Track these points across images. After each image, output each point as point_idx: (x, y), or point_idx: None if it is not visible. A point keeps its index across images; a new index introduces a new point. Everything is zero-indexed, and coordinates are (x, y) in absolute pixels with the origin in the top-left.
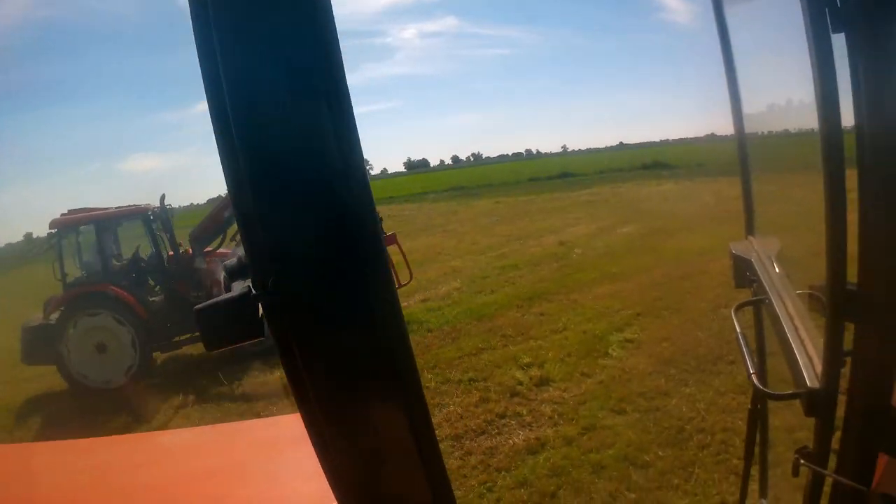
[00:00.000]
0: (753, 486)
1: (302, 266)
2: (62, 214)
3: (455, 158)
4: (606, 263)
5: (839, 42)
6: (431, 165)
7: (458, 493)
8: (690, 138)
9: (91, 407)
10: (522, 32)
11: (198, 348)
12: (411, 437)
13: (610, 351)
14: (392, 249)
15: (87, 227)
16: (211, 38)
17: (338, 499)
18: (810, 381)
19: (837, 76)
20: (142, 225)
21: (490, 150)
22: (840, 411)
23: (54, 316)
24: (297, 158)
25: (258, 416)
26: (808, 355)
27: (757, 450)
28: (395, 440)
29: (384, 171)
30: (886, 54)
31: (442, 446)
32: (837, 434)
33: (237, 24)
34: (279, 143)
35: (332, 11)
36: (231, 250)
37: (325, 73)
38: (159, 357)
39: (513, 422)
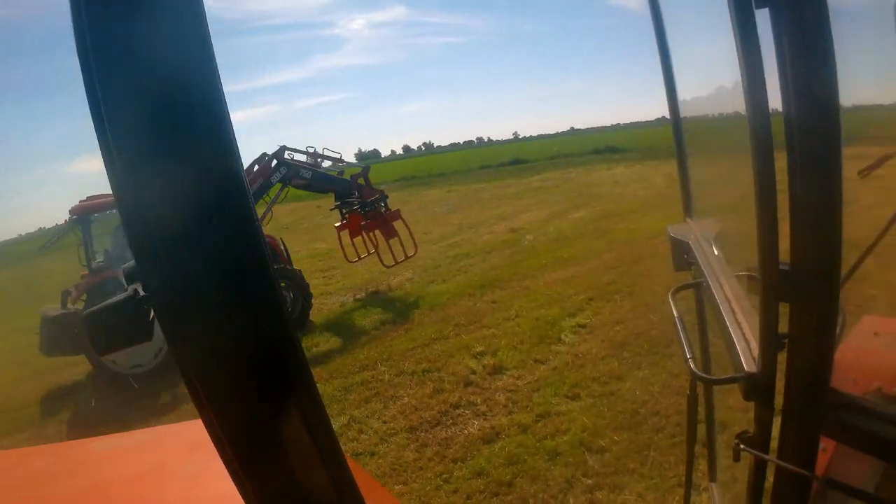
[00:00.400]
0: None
1: (181, 265)
2: (81, 201)
3: (406, 148)
4: (558, 249)
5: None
6: (383, 156)
7: (414, 486)
8: (641, 122)
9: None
10: (472, 19)
11: None
12: (306, 433)
13: (563, 337)
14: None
15: (105, 213)
16: (85, 36)
17: (244, 499)
18: (748, 364)
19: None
20: None
21: (441, 138)
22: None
23: (76, 305)
24: (172, 155)
25: None
26: (745, 339)
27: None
28: (288, 438)
29: None
30: (811, 30)
31: (397, 439)
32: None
33: (107, 21)
34: (153, 141)
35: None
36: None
37: (196, 69)
38: None
39: (467, 411)
